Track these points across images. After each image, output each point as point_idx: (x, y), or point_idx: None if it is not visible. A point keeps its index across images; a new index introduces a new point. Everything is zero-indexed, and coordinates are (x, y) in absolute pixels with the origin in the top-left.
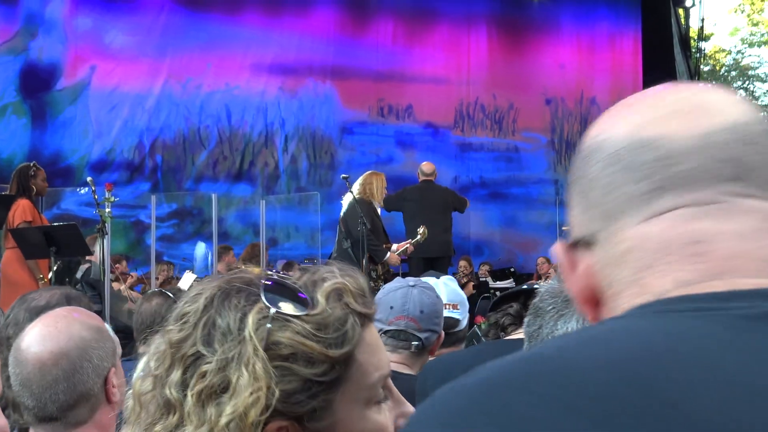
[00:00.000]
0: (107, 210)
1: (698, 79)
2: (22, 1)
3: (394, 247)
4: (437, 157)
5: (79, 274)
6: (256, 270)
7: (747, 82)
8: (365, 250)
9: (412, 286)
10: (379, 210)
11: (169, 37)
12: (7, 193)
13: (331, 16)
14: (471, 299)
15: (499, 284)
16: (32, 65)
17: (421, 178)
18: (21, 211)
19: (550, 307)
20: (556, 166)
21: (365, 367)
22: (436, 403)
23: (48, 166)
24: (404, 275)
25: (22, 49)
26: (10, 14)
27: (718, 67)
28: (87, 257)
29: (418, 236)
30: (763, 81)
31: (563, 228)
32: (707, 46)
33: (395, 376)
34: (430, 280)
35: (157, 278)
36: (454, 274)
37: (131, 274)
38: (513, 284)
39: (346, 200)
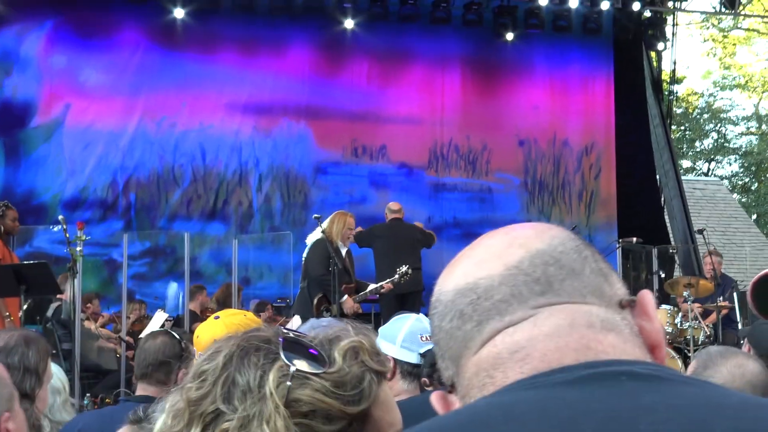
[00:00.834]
0: (78, 249)
1: (670, 121)
2: None
3: (371, 286)
4: (411, 197)
5: (50, 313)
6: (272, 328)
7: (719, 125)
8: (320, 290)
9: None
10: (343, 250)
11: (144, 76)
12: None
13: (305, 56)
14: None
15: None
16: (6, 103)
17: (389, 216)
18: None
19: None
20: (528, 207)
21: (380, 423)
22: None
23: (21, 203)
24: (376, 315)
25: None
26: None
27: (690, 110)
28: (58, 296)
29: (396, 276)
30: (735, 124)
31: None
32: (680, 89)
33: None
34: (409, 318)
35: (128, 317)
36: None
37: (102, 314)
38: None
39: (309, 240)
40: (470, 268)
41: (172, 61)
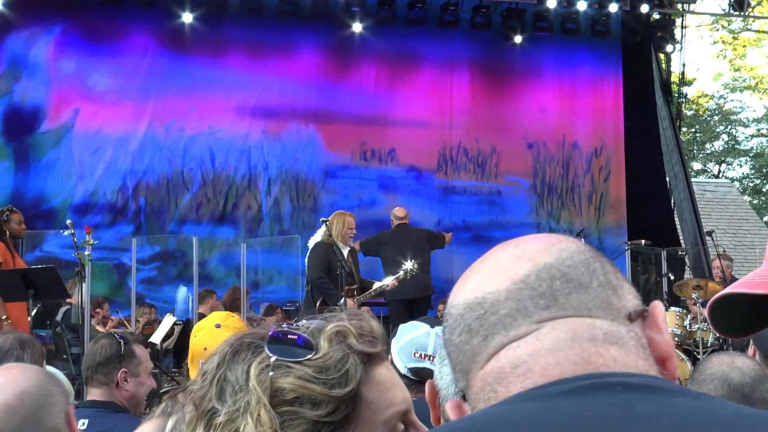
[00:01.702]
0: (86, 253)
1: (680, 123)
2: (6, 44)
3: (377, 284)
4: (420, 201)
5: (59, 317)
6: (269, 325)
7: (729, 127)
8: (319, 293)
9: None
10: (345, 251)
11: (153, 80)
12: None
13: (314, 59)
14: None
15: None
16: (16, 108)
17: (395, 222)
18: None
19: None
20: (538, 209)
21: (376, 404)
22: None
23: (31, 208)
24: (385, 318)
25: (5, 91)
26: None
27: (701, 112)
28: (67, 300)
29: (401, 273)
30: (745, 126)
31: None
32: (690, 91)
33: None
34: (421, 328)
35: (137, 321)
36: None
37: (112, 317)
38: None
39: (310, 243)
40: (479, 283)
41: (181, 65)
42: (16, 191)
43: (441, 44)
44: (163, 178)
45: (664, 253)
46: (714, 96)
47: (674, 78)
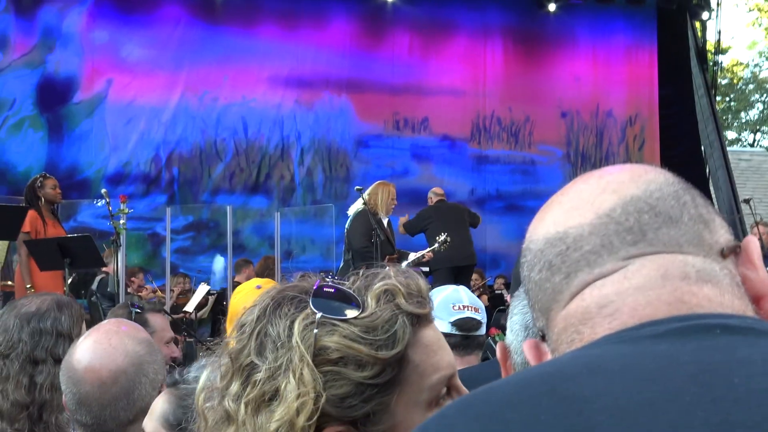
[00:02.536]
0: (121, 221)
1: (715, 91)
2: (39, 15)
3: (412, 255)
4: (453, 170)
5: (94, 286)
6: (313, 278)
7: (764, 95)
8: (363, 261)
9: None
10: (385, 221)
11: (186, 50)
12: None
13: (346, 29)
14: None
15: None
16: (49, 79)
17: (435, 199)
18: (24, 223)
19: None
20: (571, 178)
21: (422, 368)
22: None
23: (64, 179)
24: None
25: (39, 62)
26: (28, 28)
27: (735, 80)
28: (102, 269)
29: (436, 245)
30: None
31: None
32: (725, 60)
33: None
34: (448, 288)
35: (172, 290)
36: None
37: (146, 286)
38: None
39: (351, 211)
40: (560, 216)
41: (214, 35)
42: (50, 162)
43: (474, 12)
44: (196, 148)
45: None
46: (749, 64)
47: (709, 46)
